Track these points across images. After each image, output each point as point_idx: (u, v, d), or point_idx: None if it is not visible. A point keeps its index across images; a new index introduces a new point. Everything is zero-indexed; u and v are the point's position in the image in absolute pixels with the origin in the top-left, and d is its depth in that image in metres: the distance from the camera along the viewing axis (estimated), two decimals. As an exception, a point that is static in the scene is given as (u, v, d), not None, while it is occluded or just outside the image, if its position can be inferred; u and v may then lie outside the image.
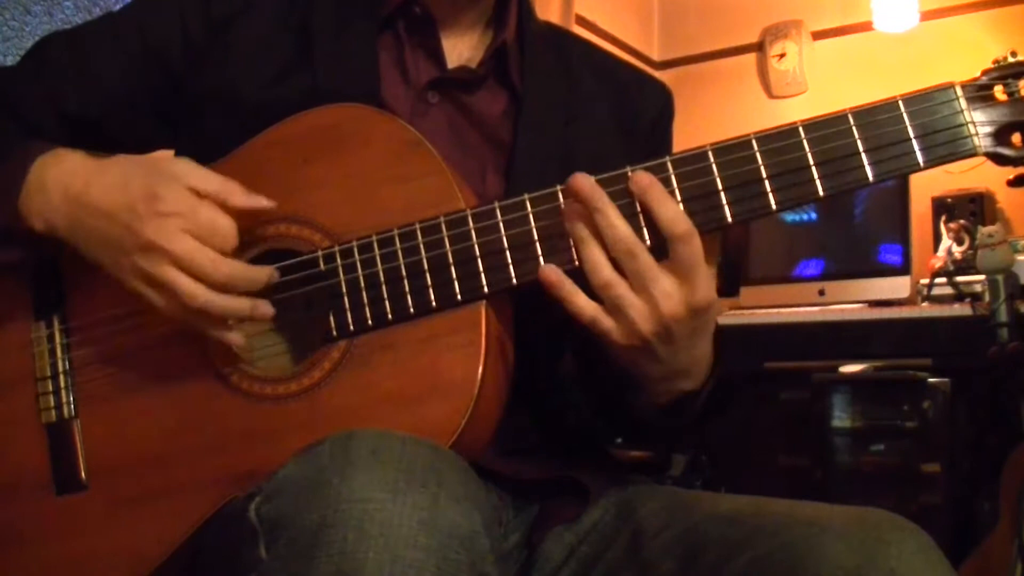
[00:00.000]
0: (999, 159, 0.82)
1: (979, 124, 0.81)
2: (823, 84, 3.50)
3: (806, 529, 0.79)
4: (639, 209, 0.82)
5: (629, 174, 0.83)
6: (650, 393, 0.90)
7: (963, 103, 0.81)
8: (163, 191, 0.85)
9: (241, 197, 0.87)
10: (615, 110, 1.09)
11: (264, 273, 0.87)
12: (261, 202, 0.88)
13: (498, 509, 0.96)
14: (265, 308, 0.87)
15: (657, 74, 3.78)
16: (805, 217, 3.15)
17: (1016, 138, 0.81)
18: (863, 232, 3.05)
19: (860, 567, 0.75)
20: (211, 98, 1.00)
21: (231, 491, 0.84)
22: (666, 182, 0.83)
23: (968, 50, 3.12)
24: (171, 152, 1.05)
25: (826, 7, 3.50)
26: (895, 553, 0.76)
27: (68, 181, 0.89)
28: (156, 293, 0.85)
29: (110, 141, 1.03)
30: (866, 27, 3.34)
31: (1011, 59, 0.83)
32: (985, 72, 0.83)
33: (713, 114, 3.52)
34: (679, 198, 0.83)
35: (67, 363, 0.94)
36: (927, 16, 3.23)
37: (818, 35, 3.53)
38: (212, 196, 0.86)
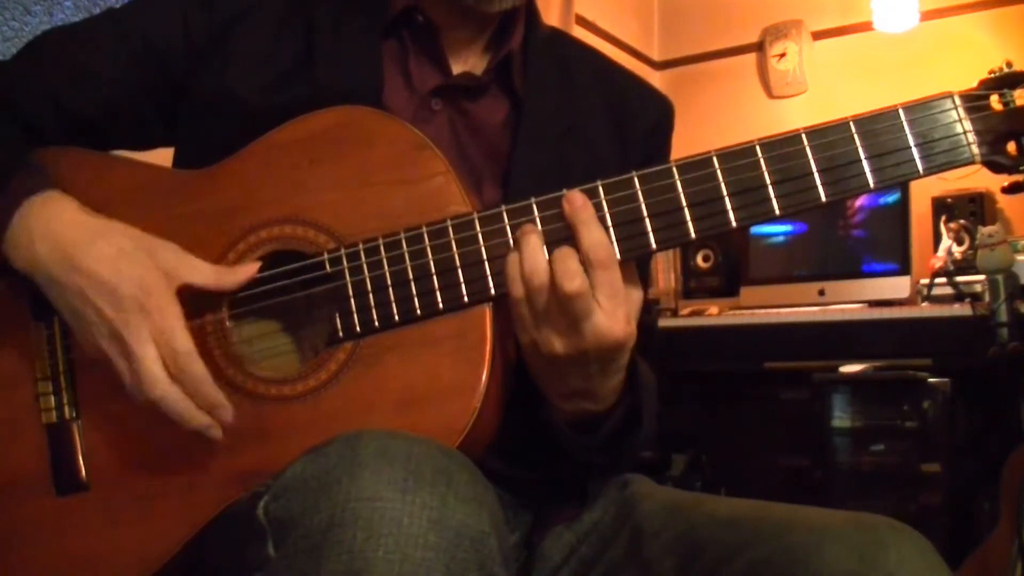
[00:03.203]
0: (995, 167, 0.83)
1: (976, 133, 0.82)
2: (823, 84, 3.50)
3: (805, 533, 0.80)
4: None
5: (564, 193, 0.84)
6: (554, 406, 0.90)
7: (961, 112, 0.82)
8: (154, 288, 0.85)
9: (232, 278, 0.88)
10: (613, 119, 1.09)
11: (199, 421, 0.85)
12: (251, 272, 0.89)
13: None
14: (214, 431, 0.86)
15: (657, 74, 3.79)
16: (799, 230, 3.16)
17: (1011, 146, 0.82)
18: (861, 240, 3.05)
19: (859, 571, 0.75)
20: (213, 101, 0.99)
21: (235, 492, 0.84)
22: (671, 188, 0.83)
23: (968, 50, 3.13)
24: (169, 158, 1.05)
25: (826, 7, 3.51)
26: (894, 558, 0.76)
27: (58, 236, 0.88)
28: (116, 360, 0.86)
29: (109, 140, 1.03)
30: (866, 27, 3.34)
31: (1006, 69, 0.84)
32: (981, 82, 0.84)
33: (713, 114, 3.52)
34: (684, 203, 0.83)
35: (67, 363, 0.93)
36: (927, 16, 3.23)
37: (818, 35, 3.53)
38: (206, 289, 0.87)
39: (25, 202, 0.89)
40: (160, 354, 0.84)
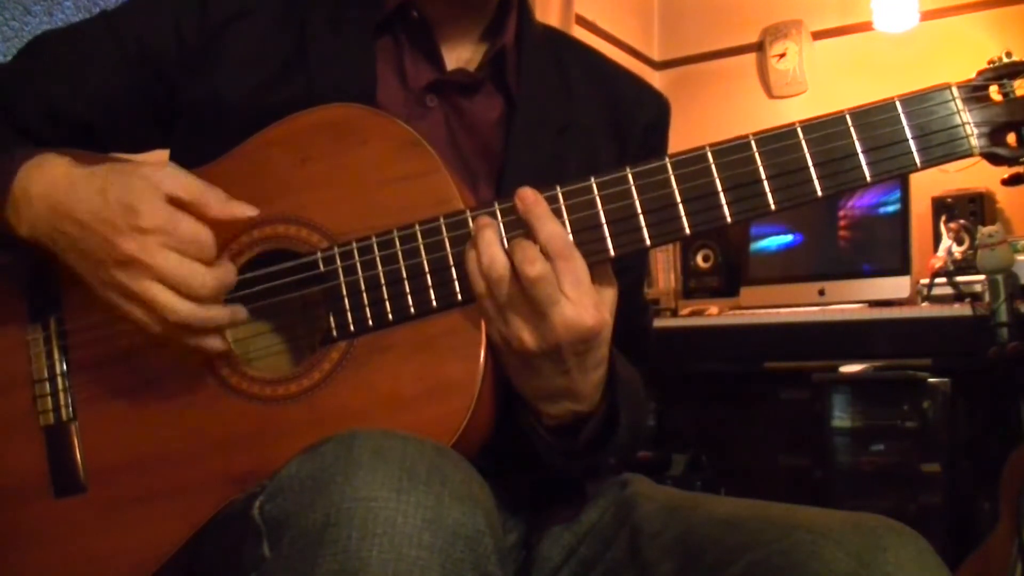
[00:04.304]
0: (994, 159, 0.82)
1: (975, 125, 0.81)
2: (823, 84, 3.50)
3: (804, 535, 0.79)
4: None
5: (517, 192, 0.83)
6: (540, 414, 0.88)
7: (959, 104, 0.81)
8: (141, 205, 0.83)
9: (218, 207, 0.86)
10: (609, 118, 1.09)
11: (233, 275, 0.86)
12: (242, 211, 0.87)
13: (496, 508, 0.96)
14: (240, 313, 0.87)
15: (657, 74, 3.79)
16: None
17: (1011, 138, 0.81)
18: (861, 240, 3.05)
19: (858, 573, 0.75)
20: (206, 101, 0.99)
21: (231, 492, 0.85)
22: (665, 183, 0.83)
23: (968, 50, 3.12)
24: (165, 155, 1.04)
25: (826, 7, 3.51)
26: (892, 559, 0.76)
27: (51, 189, 0.88)
28: (135, 307, 0.84)
29: (104, 142, 1.03)
30: (866, 27, 3.34)
31: (1005, 59, 0.83)
32: (980, 73, 0.83)
33: (713, 114, 3.52)
34: (678, 199, 0.83)
35: (64, 365, 0.93)
36: (927, 16, 3.23)
37: (818, 35, 3.53)
38: (189, 205, 0.85)
39: (21, 169, 0.89)
40: (181, 252, 0.83)
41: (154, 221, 0.83)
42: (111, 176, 0.86)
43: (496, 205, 0.85)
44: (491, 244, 0.82)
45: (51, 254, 0.89)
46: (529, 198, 0.83)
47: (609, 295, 0.85)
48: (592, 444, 0.90)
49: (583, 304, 0.80)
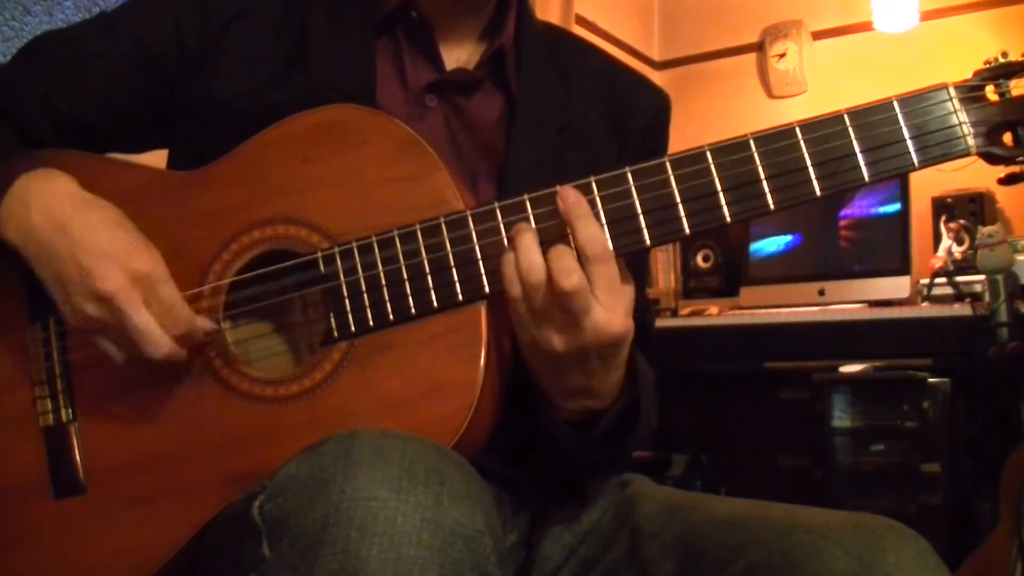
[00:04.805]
0: (991, 158, 0.83)
1: (971, 124, 0.81)
2: (823, 84, 3.50)
3: (804, 535, 0.79)
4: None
5: (557, 190, 0.83)
6: (556, 408, 0.89)
7: (956, 103, 0.81)
8: (144, 250, 0.87)
9: (188, 323, 0.88)
10: (609, 114, 1.08)
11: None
12: (207, 328, 0.89)
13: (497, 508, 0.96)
14: None
15: (657, 74, 3.79)
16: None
17: (1007, 137, 0.82)
18: (861, 240, 3.05)
19: (857, 573, 0.75)
20: (206, 102, 0.99)
21: (232, 492, 0.84)
22: (664, 183, 0.83)
23: (968, 50, 3.12)
24: (163, 156, 1.05)
25: (826, 7, 3.51)
26: (892, 560, 0.76)
27: (52, 204, 0.89)
28: (98, 338, 0.88)
29: (104, 142, 1.03)
30: (866, 27, 3.34)
31: (1001, 59, 0.83)
32: (976, 73, 0.83)
33: (713, 114, 3.52)
34: (678, 199, 0.83)
35: (64, 366, 0.94)
36: (927, 16, 3.23)
37: (818, 35, 3.53)
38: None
39: (23, 175, 0.90)
40: (151, 309, 0.85)
41: (148, 268, 0.86)
42: (121, 217, 0.90)
43: (496, 204, 0.85)
44: (531, 249, 0.82)
45: (28, 262, 0.90)
46: (571, 198, 0.82)
47: (630, 292, 0.85)
48: (608, 437, 0.91)
49: (614, 310, 0.81)
